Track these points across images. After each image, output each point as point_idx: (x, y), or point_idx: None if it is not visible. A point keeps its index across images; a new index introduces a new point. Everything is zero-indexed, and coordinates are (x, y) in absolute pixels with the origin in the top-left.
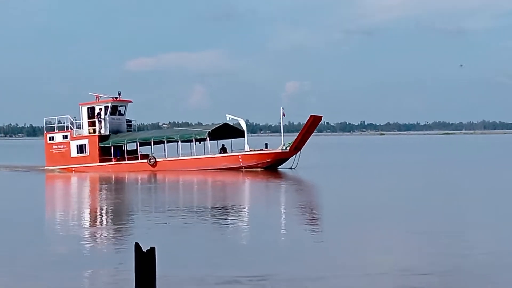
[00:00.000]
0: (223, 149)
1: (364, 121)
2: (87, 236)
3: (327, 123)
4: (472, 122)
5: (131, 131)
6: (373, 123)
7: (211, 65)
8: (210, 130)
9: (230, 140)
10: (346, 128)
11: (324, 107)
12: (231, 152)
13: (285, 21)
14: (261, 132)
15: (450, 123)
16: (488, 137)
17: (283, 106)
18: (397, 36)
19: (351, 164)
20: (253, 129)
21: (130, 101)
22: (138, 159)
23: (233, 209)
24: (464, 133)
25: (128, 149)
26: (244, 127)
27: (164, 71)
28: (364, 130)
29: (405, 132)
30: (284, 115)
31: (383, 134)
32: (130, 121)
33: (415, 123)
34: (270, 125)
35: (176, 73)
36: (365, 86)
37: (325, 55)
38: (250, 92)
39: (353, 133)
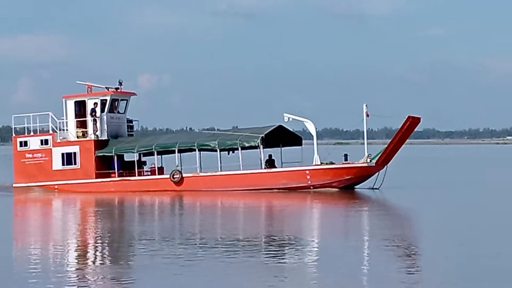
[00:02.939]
0: (270, 161)
1: (236, 126)
2: None
3: (191, 128)
4: None
5: (132, 135)
6: (259, 126)
7: (43, 53)
8: (263, 135)
9: (280, 148)
10: None
11: (188, 108)
12: (280, 166)
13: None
14: None
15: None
16: None
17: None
18: (281, 19)
19: (448, 184)
20: None
21: (134, 94)
22: (155, 174)
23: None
24: None
25: (127, 160)
26: (313, 131)
27: None
28: None
29: None
30: (368, 116)
31: None
32: (132, 121)
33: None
34: None
35: None
36: (242, 80)
37: (191, 42)
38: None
39: None
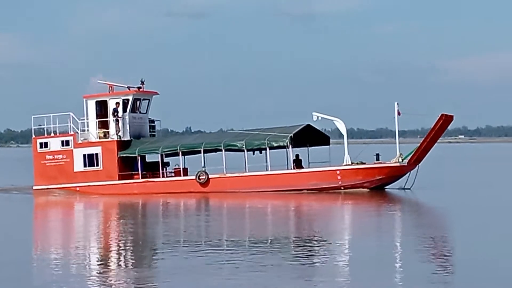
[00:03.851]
0: (297, 161)
1: (190, 127)
2: None
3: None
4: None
5: (154, 135)
6: (233, 128)
7: None
8: (292, 134)
9: (307, 148)
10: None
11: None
12: (308, 166)
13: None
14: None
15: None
16: None
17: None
18: (233, 20)
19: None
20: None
21: (156, 93)
22: (179, 175)
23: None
24: None
25: (149, 161)
26: (343, 131)
27: None
28: None
29: None
30: (399, 114)
31: None
32: (154, 121)
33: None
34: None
35: None
36: (196, 80)
37: (145, 42)
38: (45, 88)
39: None
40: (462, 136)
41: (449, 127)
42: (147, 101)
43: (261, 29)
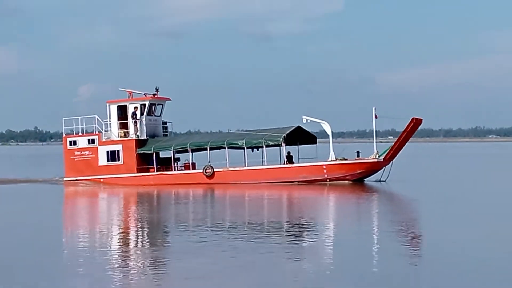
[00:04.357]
0: (289, 157)
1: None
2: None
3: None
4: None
5: (167, 135)
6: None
7: None
8: (285, 134)
9: (297, 146)
10: None
11: None
12: (297, 162)
13: (79, 18)
14: (51, 140)
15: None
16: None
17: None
18: (204, 39)
19: (454, 178)
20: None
21: (169, 99)
22: (189, 169)
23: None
24: None
25: (162, 157)
26: (329, 131)
27: None
28: None
29: None
30: (376, 117)
31: None
32: (166, 123)
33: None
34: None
35: None
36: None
37: (128, 57)
38: (35, 97)
39: None
40: (391, 137)
41: (380, 129)
42: (161, 105)
43: (224, 46)
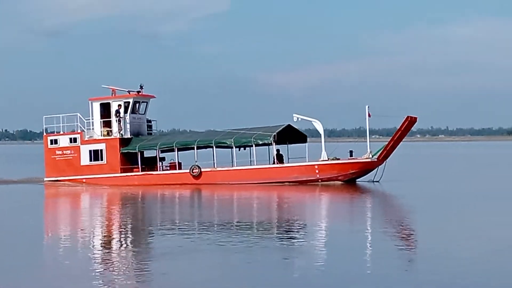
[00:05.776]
0: (279, 157)
1: (46, 129)
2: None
3: (6, 130)
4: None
5: (151, 133)
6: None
7: None
8: (275, 133)
9: (286, 145)
10: (27, 136)
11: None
12: (287, 162)
13: None
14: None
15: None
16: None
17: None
18: (87, 39)
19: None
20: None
21: (153, 97)
22: (175, 169)
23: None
24: None
25: (146, 156)
26: (321, 130)
27: None
28: None
29: None
30: (369, 116)
31: None
32: (150, 121)
33: None
34: None
35: None
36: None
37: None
38: None
39: (35, 141)
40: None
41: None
42: (145, 103)
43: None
